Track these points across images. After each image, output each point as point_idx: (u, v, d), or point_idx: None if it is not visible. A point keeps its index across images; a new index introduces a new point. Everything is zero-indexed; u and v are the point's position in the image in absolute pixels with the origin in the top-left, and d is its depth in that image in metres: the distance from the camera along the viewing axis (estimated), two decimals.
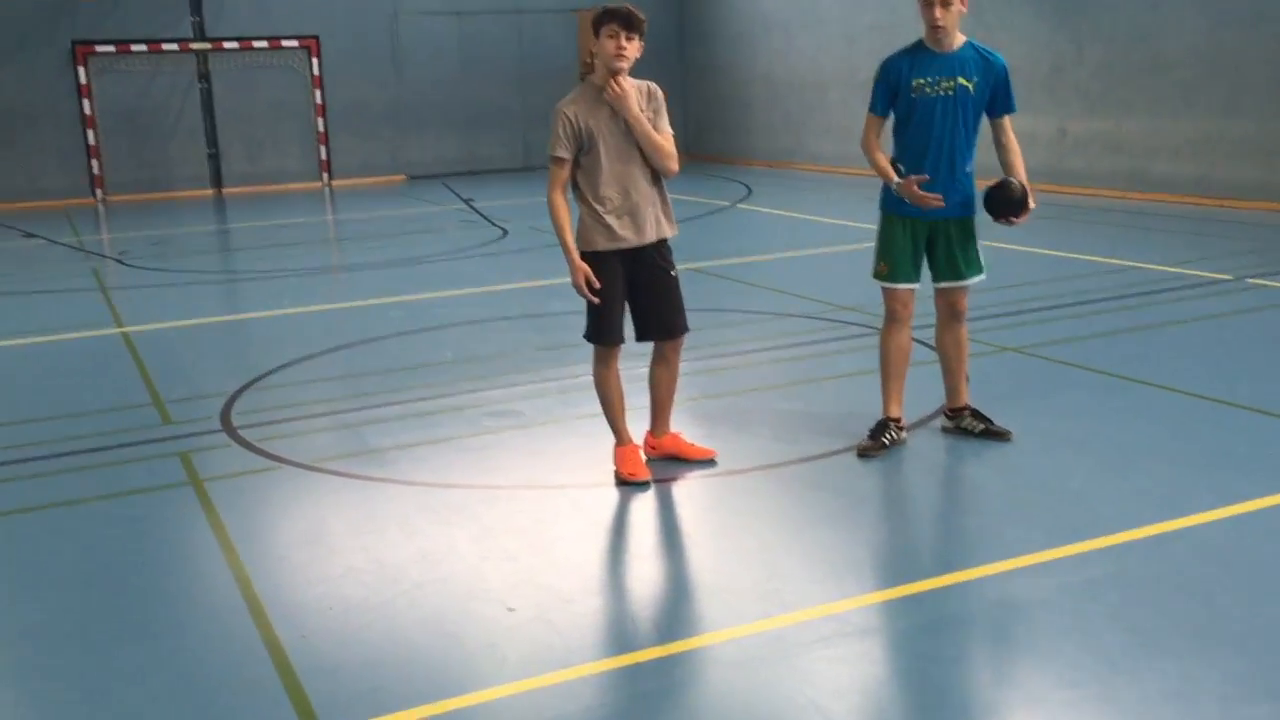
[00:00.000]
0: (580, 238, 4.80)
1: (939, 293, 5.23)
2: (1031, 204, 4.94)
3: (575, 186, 4.83)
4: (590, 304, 4.81)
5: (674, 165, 4.80)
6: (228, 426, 5.93)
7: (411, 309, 8.80)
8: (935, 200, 4.87)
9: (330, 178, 19.05)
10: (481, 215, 14.41)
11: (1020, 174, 5.00)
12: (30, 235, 14.08)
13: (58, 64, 17.20)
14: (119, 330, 8.42)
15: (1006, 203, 4.92)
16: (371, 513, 4.72)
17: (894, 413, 5.21)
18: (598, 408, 5.07)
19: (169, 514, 4.83)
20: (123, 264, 11.63)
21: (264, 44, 18.22)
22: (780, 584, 3.90)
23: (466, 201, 15.92)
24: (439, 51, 19.33)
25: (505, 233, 12.76)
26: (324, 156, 18.99)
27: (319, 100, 18.74)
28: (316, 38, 18.50)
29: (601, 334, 4.90)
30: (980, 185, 4.99)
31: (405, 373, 7.00)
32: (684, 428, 5.31)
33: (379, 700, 3.23)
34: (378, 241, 12.69)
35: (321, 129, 18.87)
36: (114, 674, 3.50)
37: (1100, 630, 3.45)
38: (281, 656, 3.53)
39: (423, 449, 5.49)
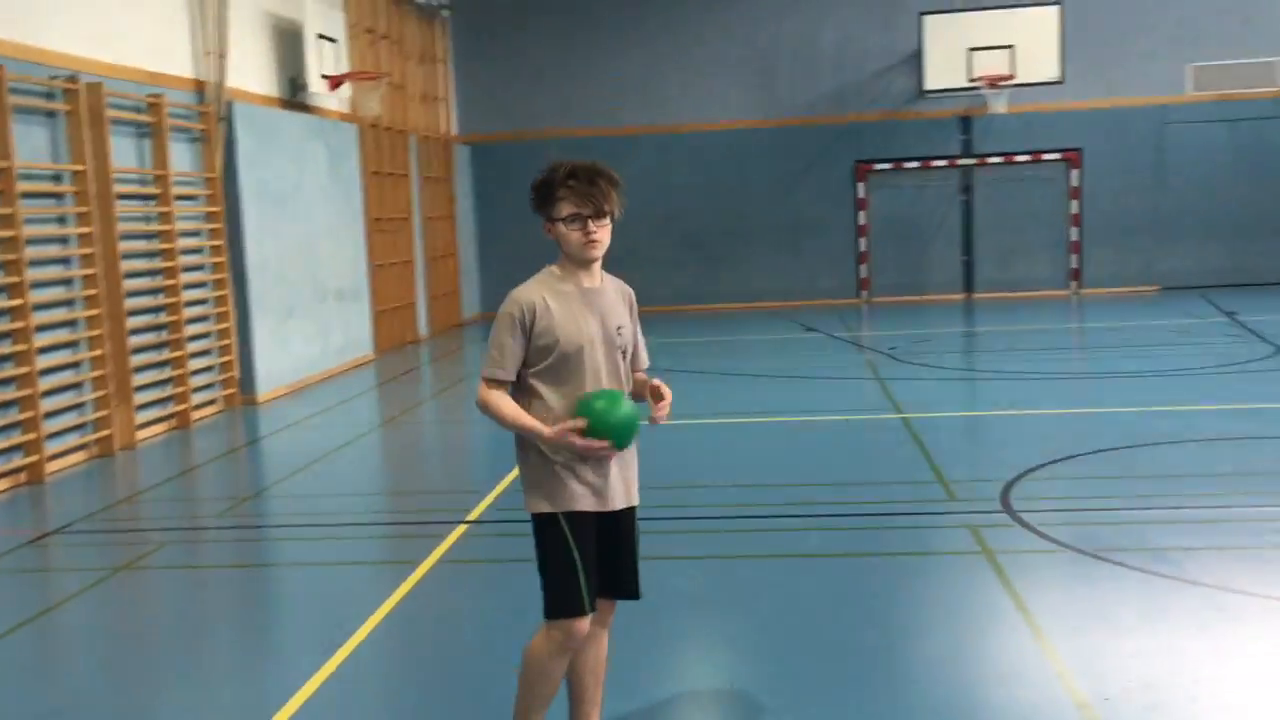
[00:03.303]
0: None
1: None
2: None
3: None
4: None
5: None
6: (1008, 509, 6.46)
7: (1176, 419, 8.72)
8: None
9: (1079, 286, 19.20)
10: (1249, 330, 13.68)
11: None
12: (810, 329, 16.03)
13: (841, 181, 19.45)
14: (897, 415, 9.40)
15: None
16: (1160, 605, 4.94)
17: None
18: None
19: (964, 575, 5.45)
20: (892, 358, 12.84)
21: (1026, 158, 18.99)
22: None
23: (1229, 315, 15.18)
24: (1207, 159, 18.69)
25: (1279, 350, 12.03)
26: (1074, 265, 19.21)
27: (1075, 210, 19.06)
28: (1079, 150, 18.88)
29: None
30: None
31: (1179, 479, 7.04)
32: None
33: None
34: (1130, 351, 12.62)
35: (1074, 238, 19.13)
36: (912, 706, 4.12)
37: None
38: (1089, 714, 3.93)
39: (1207, 554, 5.55)
